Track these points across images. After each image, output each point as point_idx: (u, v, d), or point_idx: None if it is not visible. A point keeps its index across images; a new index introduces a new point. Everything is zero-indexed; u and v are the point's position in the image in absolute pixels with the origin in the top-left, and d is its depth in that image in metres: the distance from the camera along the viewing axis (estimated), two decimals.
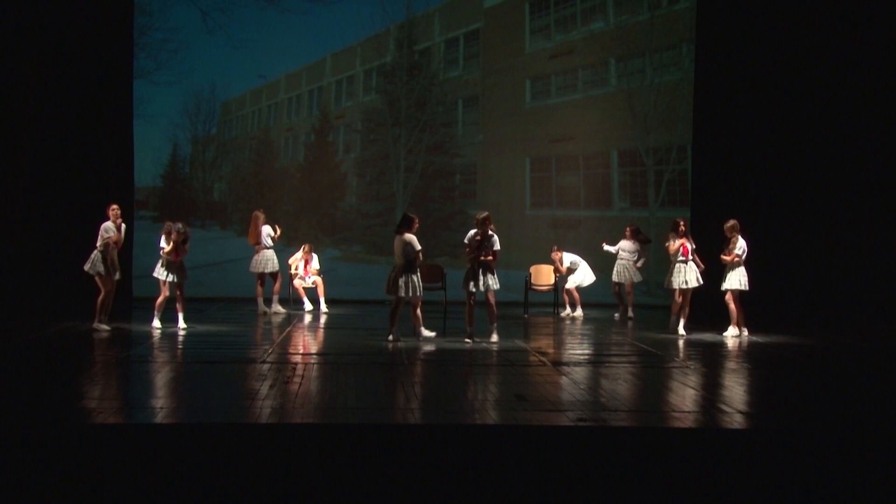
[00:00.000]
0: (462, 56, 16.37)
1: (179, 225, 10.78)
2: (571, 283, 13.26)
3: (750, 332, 11.31)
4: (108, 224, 10.68)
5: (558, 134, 15.82)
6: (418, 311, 10.55)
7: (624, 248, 13.10)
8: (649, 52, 15.49)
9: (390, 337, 10.17)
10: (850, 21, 13.62)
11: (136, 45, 14.61)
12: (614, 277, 13.16)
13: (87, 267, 10.65)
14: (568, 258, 13.32)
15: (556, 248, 13.43)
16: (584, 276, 13.30)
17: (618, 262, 13.10)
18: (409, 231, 10.21)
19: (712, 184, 14.32)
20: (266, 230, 12.93)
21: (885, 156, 13.67)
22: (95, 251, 10.62)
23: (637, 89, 15.45)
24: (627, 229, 13.20)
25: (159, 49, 15.10)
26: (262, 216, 13.02)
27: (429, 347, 9.94)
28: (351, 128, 16.60)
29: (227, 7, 15.10)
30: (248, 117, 16.87)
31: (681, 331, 11.20)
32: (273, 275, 12.99)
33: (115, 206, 10.79)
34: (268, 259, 12.94)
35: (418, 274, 10.24)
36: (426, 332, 10.46)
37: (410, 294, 10.16)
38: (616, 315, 13.22)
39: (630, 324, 12.70)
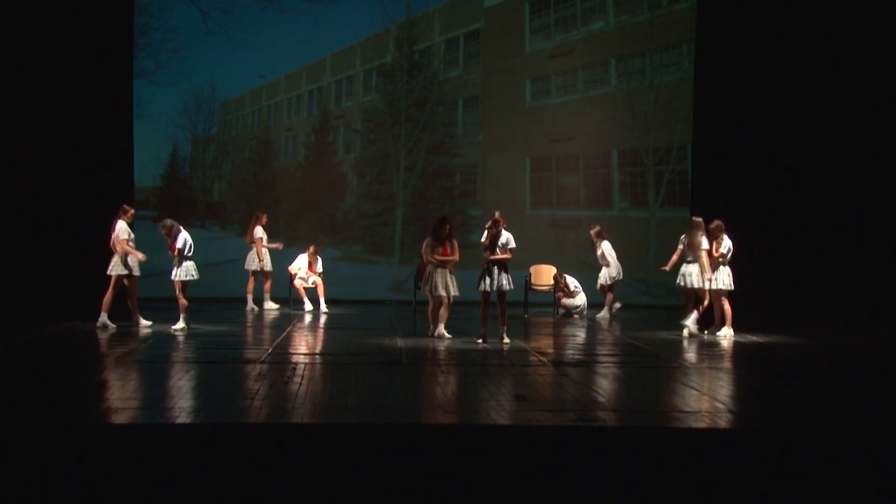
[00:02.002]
0: (462, 56, 16.37)
1: (168, 221, 10.83)
2: (568, 302, 13.36)
3: (747, 332, 11.31)
4: (124, 224, 10.74)
5: (558, 134, 15.82)
6: (434, 308, 10.59)
7: (610, 250, 13.21)
8: (649, 52, 15.48)
9: (436, 333, 10.47)
10: (850, 21, 13.61)
11: (136, 45, 14.60)
12: (613, 278, 13.24)
13: (117, 271, 10.73)
14: (571, 282, 13.43)
15: (557, 273, 13.49)
16: (581, 302, 13.40)
17: (614, 262, 13.21)
18: (431, 233, 10.53)
19: (712, 184, 14.31)
20: (258, 232, 13.10)
21: (886, 155, 13.66)
22: (127, 254, 10.67)
23: (637, 89, 15.44)
24: (596, 230, 13.31)
25: (159, 49, 15.10)
26: (262, 217, 13.21)
27: (429, 347, 9.94)
28: (351, 128, 16.59)
29: (227, 7, 15.09)
30: (248, 117, 16.87)
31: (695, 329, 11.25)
32: (266, 273, 13.20)
33: (132, 211, 11.02)
34: (266, 259, 13.13)
35: (436, 273, 10.34)
36: (442, 330, 10.52)
37: (426, 292, 10.42)
38: (613, 311, 13.29)
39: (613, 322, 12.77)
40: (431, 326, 10.64)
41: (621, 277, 13.31)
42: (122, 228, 10.83)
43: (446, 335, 10.46)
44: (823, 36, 13.75)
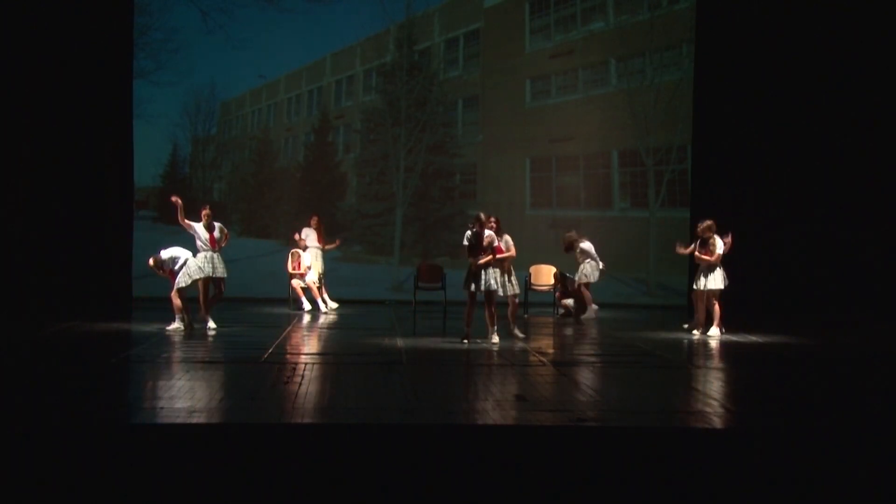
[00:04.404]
0: (462, 56, 16.37)
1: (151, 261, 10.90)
2: (568, 302, 13.33)
3: (747, 332, 11.32)
4: (199, 226, 10.75)
5: (558, 134, 15.81)
6: (491, 309, 10.31)
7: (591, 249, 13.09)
8: (649, 52, 15.49)
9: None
10: (850, 21, 13.62)
11: (136, 45, 14.61)
12: (592, 278, 13.12)
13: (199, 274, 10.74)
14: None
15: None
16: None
17: (590, 262, 13.05)
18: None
19: (712, 184, 14.32)
20: (302, 233, 13.28)
21: (886, 155, 13.66)
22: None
23: (637, 89, 15.45)
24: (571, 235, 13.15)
25: (159, 49, 15.11)
26: (311, 219, 13.42)
27: (429, 347, 9.93)
28: (351, 128, 16.59)
29: (227, 7, 15.10)
30: (248, 117, 16.87)
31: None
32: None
33: (207, 211, 10.88)
34: (312, 258, 13.32)
35: (491, 271, 10.11)
36: (517, 333, 10.38)
37: (482, 290, 10.21)
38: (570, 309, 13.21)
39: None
40: (466, 329, 10.24)
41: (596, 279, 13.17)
42: (196, 228, 10.83)
43: (520, 335, 10.29)
44: (823, 35, 13.75)
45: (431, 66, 16.30)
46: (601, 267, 12.91)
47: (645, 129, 15.33)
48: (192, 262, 10.72)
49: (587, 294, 12.96)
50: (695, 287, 11.17)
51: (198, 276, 10.70)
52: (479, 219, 10.10)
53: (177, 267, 10.74)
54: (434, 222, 15.77)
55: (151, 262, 10.92)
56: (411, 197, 15.75)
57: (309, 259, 13.34)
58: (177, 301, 10.73)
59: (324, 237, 13.47)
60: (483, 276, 10.00)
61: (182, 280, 10.69)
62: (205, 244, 10.71)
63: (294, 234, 13.47)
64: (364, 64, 16.53)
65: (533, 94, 16.25)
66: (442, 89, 16.16)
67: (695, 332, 11.21)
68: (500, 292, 10.27)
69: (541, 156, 15.94)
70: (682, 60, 15.34)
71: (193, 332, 10.65)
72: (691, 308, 11.72)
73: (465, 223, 10.56)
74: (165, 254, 10.85)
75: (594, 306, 13.05)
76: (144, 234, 14.41)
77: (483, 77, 16.22)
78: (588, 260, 12.85)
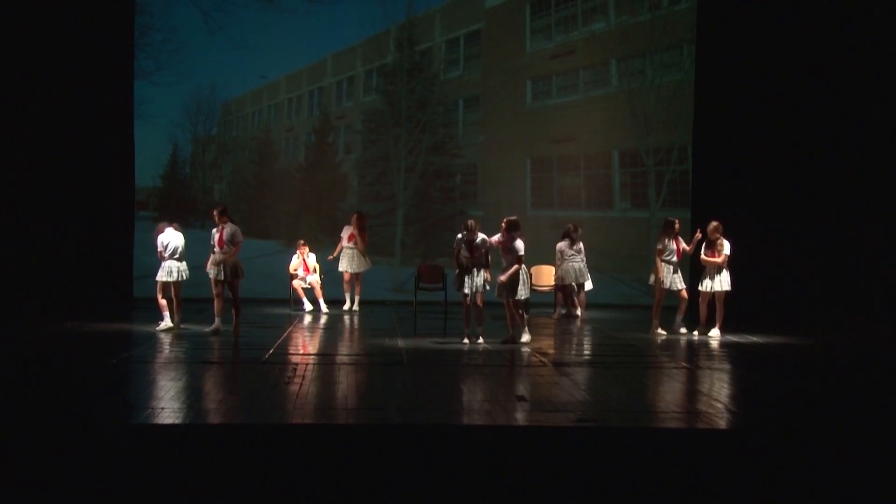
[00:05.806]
0: (463, 56, 16.36)
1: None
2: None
3: (747, 332, 11.31)
4: (214, 230, 10.77)
5: (559, 134, 15.81)
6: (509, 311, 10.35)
7: (574, 250, 12.96)
8: (650, 52, 15.47)
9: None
10: (850, 21, 13.61)
11: (136, 46, 14.61)
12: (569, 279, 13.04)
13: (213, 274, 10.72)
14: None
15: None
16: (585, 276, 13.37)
17: (569, 263, 12.92)
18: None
19: (712, 184, 14.32)
20: (344, 231, 13.43)
21: (885, 155, 13.65)
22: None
23: (638, 90, 15.43)
24: (572, 227, 13.07)
25: (160, 49, 15.10)
26: (352, 217, 13.52)
27: (429, 348, 9.93)
28: (351, 128, 16.58)
29: (227, 7, 15.10)
30: (249, 118, 16.86)
31: (660, 331, 11.35)
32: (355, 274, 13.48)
33: (214, 212, 10.85)
34: (341, 259, 13.45)
35: (476, 271, 10.18)
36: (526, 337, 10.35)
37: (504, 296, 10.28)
38: (559, 313, 13.14)
39: (578, 322, 12.68)
40: (466, 330, 10.31)
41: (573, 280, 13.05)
42: (213, 233, 10.83)
43: (527, 339, 10.27)
44: (824, 36, 13.75)
45: (432, 67, 16.29)
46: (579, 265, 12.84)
47: (645, 129, 15.32)
48: (166, 263, 10.72)
49: (559, 296, 13.10)
50: (700, 288, 11.16)
51: (161, 279, 10.73)
52: (467, 226, 10.15)
53: (166, 254, 10.75)
54: (435, 223, 15.76)
55: (156, 233, 10.98)
56: (412, 197, 15.75)
57: (314, 260, 13.36)
58: (160, 300, 10.79)
59: (362, 236, 13.40)
60: (473, 277, 10.04)
61: (158, 276, 10.76)
62: (215, 244, 10.72)
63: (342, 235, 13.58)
64: (365, 64, 16.53)
65: (534, 94, 16.24)
66: (443, 90, 16.15)
67: (694, 332, 11.22)
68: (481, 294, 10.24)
69: (541, 156, 15.94)
70: (682, 61, 15.33)
71: (181, 331, 10.68)
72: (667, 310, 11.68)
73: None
74: (161, 236, 10.86)
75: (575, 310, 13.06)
76: (145, 235, 14.39)
77: (484, 77, 16.21)
78: (567, 261, 12.82)
